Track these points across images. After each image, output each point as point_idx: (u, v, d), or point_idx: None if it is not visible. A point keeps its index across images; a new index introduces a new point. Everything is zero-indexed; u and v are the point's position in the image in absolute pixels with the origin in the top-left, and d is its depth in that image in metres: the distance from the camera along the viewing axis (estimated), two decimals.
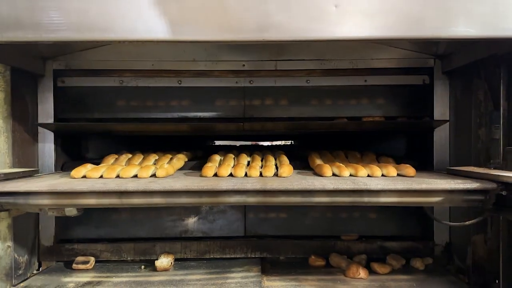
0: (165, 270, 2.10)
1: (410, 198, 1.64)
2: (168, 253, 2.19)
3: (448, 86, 2.24)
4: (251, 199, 1.64)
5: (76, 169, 1.89)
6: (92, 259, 2.19)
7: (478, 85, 1.94)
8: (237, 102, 2.34)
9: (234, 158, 2.16)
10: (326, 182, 1.65)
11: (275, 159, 2.11)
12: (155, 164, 2.09)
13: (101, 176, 1.85)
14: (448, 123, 2.21)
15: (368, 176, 1.83)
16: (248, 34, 1.53)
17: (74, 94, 2.29)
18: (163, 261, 2.11)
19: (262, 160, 2.11)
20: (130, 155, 2.22)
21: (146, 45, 2.21)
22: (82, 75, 2.28)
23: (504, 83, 1.75)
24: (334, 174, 1.86)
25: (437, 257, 2.23)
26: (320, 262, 2.17)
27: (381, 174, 1.83)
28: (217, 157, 2.15)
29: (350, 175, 1.84)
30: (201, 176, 1.88)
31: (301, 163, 2.16)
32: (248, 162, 2.10)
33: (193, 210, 2.38)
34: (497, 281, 1.75)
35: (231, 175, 1.89)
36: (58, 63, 2.25)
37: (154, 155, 2.20)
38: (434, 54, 2.24)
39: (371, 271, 2.06)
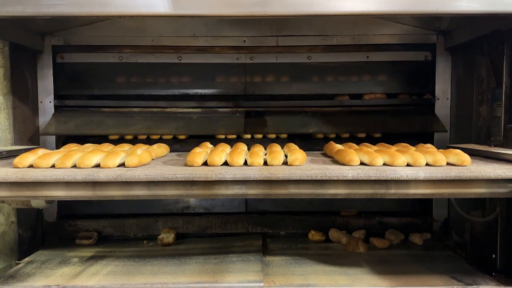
0: (168, 244, 2.13)
1: (446, 189, 1.39)
2: (170, 228, 2.22)
3: (450, 62, 2.23)
4: None
5: (21, 156, 1.52)
6: (95, 234, 2.22)
7: (481, 62, 1.93)
8: (238, 79, 2.32)
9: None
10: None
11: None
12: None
13: (53, 166, 1.48)
14: (449, 100, 2.20)
15: (408, 165, 1.47)
16: (250, 9, 1.50)
17: (74, 70, 2.27)
18: (166, 236, 2.14)
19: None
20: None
21: (146, 20, 2.19)
22: (81, 51, 2.25)
23: (507, 59, 1.74)
24: (362, 163, 1.52)
25: (436, 232, 2.27)
26: (320, 237, 2.20)
27: (425, 163, 1.47)
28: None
29: (384, 164, 1.49)
30: (185, 165, 1.52)
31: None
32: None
33: None
34: (494, 256, 1.78)
35: (226, 163, 1.53)
36: (56, 38, 2.22)
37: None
38: (437, 30, 2.22)
39: (370, 246, 2.09)
